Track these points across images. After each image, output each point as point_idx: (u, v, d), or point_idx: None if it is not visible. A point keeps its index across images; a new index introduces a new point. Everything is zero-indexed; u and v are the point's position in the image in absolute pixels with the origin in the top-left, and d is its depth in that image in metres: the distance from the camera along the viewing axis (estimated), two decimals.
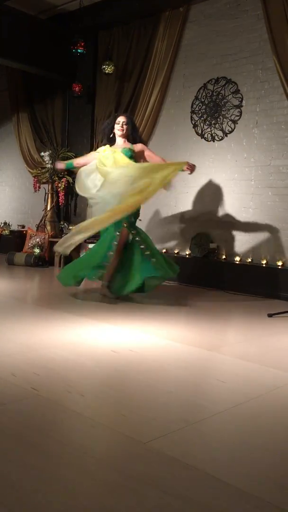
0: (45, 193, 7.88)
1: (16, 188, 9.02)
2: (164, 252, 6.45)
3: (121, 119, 4.97)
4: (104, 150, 4.93)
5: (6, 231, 8.35)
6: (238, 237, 5.89)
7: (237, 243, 5.89)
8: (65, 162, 5.28)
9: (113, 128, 4.97)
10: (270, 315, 4.33)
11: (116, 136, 4.96)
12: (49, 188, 7.74)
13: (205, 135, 6.18)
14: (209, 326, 3.91)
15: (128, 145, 4.94)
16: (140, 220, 5.13)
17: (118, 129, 4.94)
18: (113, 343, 3.22)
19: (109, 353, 3.00)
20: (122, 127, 4.93)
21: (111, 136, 4.99)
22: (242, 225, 5.84)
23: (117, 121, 4.96)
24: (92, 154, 5.16)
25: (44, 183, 7.87)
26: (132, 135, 4.97)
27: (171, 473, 1.63)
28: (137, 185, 4.57)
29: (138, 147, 4.94)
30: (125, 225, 4.83)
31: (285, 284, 5.25)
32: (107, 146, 4.97)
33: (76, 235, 4.70)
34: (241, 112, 5.84)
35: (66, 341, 3.23)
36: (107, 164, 4.78)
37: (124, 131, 4.93)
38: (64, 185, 7.49)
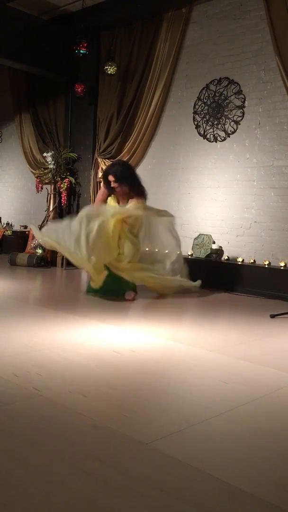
0: (48, 194, 7.89)
1: (18, 188, 9.03)
2: (166, 252, 6.44)
3: (110, 178, 4.84)
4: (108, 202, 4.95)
5: (9, 232, 8.36)
6: (240, 238, 5.88)
7: (239, 244, 5.89)
8: None
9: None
10: (272, 316, 4.32)
11: None
12: (52, 188, 7.75)
13: (208, 136, 6.17)
14: (211, 327, 3.90)
15: (124, 202, 4.86)
16: None
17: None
18: (115, 344, 3.22)
19: (111, 353, 3.00)
20: (115, 186, 4.85)
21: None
22: (245, 226, 5.83)
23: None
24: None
25: (46, 183, 7.88)
26: (129, 191, 4.84)
27: (173, 474, 1.63)
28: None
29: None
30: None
31: None
32: (110, 197, 4.95)
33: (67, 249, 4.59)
34: (243, 113, 5.83)
35: (68, 341, 3.24)
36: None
37: (118, 190, 4.85)
38: (67, 185, 7.49)
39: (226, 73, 5.98)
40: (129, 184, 4.86)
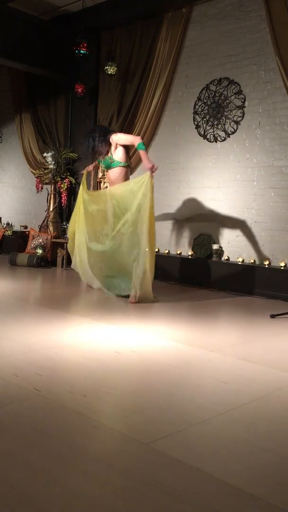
0: (48, 194, 7.89)
1: (18, 188, 9.04)
2: (166, 252, 6.46)
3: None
4: None
5: (9, 232, 8.36)
6: (240, 238, 5.88)
7: (239, 244, 5.89)
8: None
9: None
10: (272, 316, 4.33)
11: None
12: (52, 188, 7.75)
13: (208, 136, 6.18)
14: (211, 327, 3.91)
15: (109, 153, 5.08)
16: None
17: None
18: (115, 344, 3.22)
19: (111, 353, 3.00)
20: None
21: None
22: (245, 226, 5.84)
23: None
24: None
25: (46, 183, 7.89)
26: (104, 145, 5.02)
27: (173, 474, 1.63)
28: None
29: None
30: None
31: None
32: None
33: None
34: (243, 113, 5.84)
35: (69, 341, 3.24)
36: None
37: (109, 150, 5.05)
38: (67, 185, 7.50)
39: (226, 73, 5.98)
40: (104, 141, 4.99)
